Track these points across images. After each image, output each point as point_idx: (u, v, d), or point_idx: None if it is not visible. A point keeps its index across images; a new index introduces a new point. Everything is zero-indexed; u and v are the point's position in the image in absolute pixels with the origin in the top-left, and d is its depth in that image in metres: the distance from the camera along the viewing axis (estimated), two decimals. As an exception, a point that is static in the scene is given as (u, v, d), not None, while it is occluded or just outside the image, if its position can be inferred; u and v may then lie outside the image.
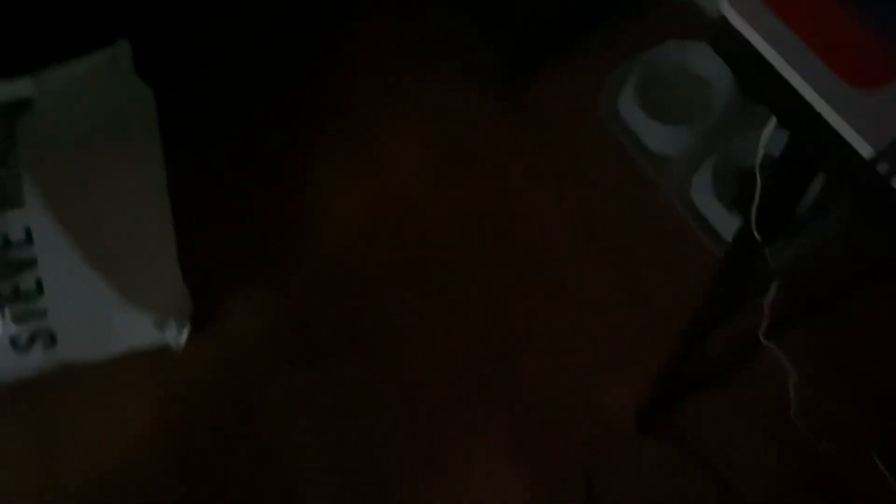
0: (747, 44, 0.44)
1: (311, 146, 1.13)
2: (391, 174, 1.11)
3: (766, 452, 0.92)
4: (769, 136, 0.49)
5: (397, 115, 1.14)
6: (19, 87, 0.89)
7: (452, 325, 1.01)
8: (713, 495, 0.91)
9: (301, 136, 1.13)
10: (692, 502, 0.90)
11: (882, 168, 0.39)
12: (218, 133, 1.11)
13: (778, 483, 0.90)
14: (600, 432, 0.94)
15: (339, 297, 1.03)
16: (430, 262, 1.05)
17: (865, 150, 0.40)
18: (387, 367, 0.99)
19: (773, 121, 0.49)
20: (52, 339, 0.90)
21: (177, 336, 0.96)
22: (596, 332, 1.00)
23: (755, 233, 0.53)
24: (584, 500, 0.91)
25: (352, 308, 1.03)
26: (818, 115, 0.42)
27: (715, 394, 0.94)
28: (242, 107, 1.14)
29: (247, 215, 1.08)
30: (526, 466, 0.93)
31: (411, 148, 1.13)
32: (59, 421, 0.97)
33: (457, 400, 0.97)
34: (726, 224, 1.01)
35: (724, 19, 0.45)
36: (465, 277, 1.04)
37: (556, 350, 0.99)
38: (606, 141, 1.11)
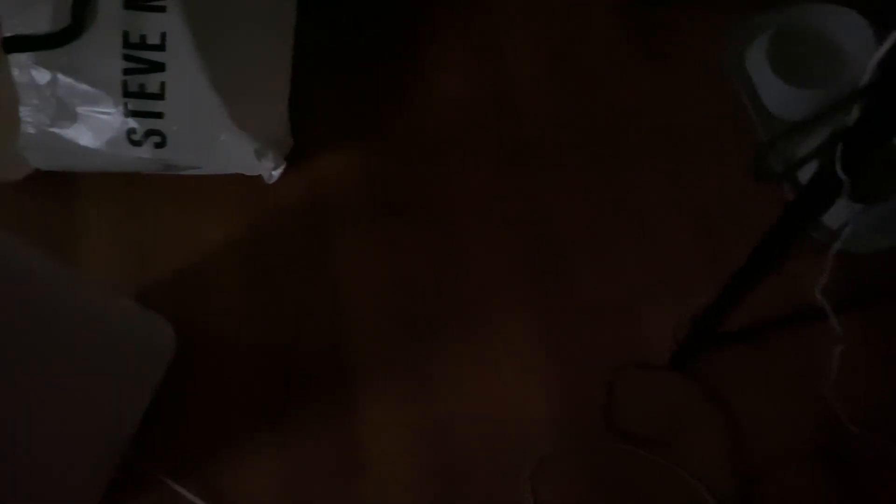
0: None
1: (432, 20, 1.16)
2: (500, 61, 1.13)
3: (789, 417, 0.93)
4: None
5: (521, 7, 1.16)
6: None
7: (521, 212, 1.05)
8: (725, 444, 0.93)
9: (427, 15, 1.16)
10: (703, 442, 0.93)
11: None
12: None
13: (791, 448, 0.92)
14: (632, 353, 0.97)
15: (422, 166, 1.08)
16: (514, 149, 1.08)
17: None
18: (449, 236, 1.04)
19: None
20: (163, 141, 0.97)
21: (271, 169, 1.03)
22: (660, 256, 1.02)
23: (839, 171, 0.52)
24: (601, 408, 0.95)
25: (430, 178, 1.07)
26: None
27: (756, 347, 0.95)
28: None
29: (358, 73, 1.13)
30: (555, 363, 0.97)
31: (527, 40, 1.14)
32: (153, 209, 1.07)
33: (506, 283, 1.02)
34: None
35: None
36: (544, 170, 1.07)
37: (614, 262, 1.02)
38: (722, 86, 1.09)
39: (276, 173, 1.04)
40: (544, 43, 1.14)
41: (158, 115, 0.96)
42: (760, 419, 0.93)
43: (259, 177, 1.05)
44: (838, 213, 0.70)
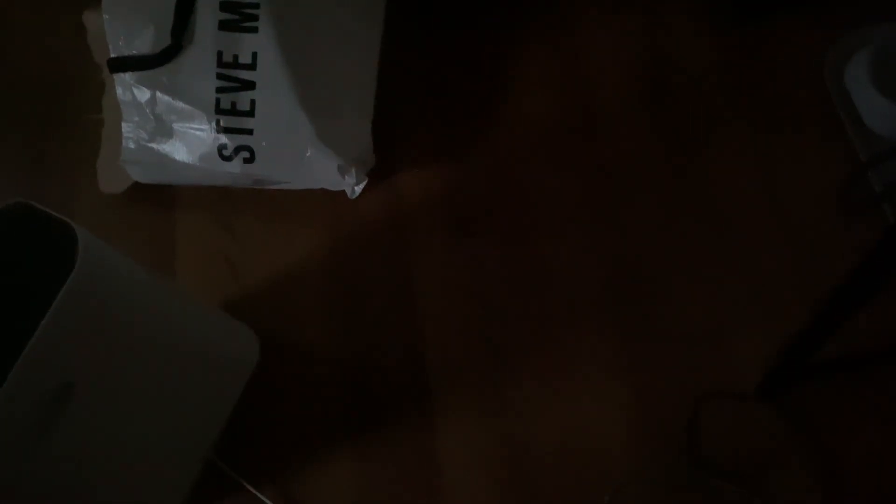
0: None
1: (519, 41, 1.15)
2: (585, 81, 1.12)
3: (889, 456, 0.87)
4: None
5: (609, 28, 1.14)
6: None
7: (604, 233, 1.03)
8: (817, 481, 0.88)
9: (513, 31, 1.16)
10: (792, 478, 0.88)
11: None
12: (436, 8, 1.17)
13: (891, 491, 0.86)
14: (719, 382, 0.93)
15: (503, 185, 1.08)
16: (597, 170, 1.07)
17: None
18: (529, 256, 1.03)
19: None
20: (251, 156, 1.01)
21: (354, 185, 1.05)
22: (750, 280, 0.98)
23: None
24: (684, 439, 0.92)
25: (511, 197, 1.07)
26: None
27: (855, 379, 0.90)
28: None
29: (441, 92, 1.14)
30: (636, 389, 0.95)
31: (614, 61, 1.12)
32: (242, 222, 1.10)
33: (587, 305, 1.00)
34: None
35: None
36: (628, 191, 1.05)
37: (701, 287, 0.99)
38: (822, 104, 1.05)
39: (359, 189, 1.06)
40: (631, 62, 1.12)
41: (248, 132, 1.00)
42: (857, 456, 0.88)
43: (343, 192, 1.07)
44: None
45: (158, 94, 1.00)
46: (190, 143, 1.01)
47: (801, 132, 1.05)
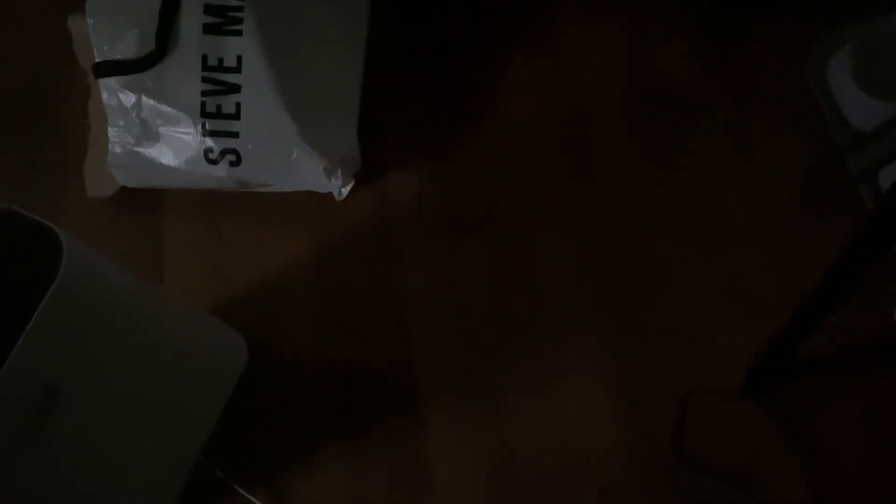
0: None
1: (504, 45, 1.16)
2: (571, 82, 1.12)
3: (877, 450, 0.88)
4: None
5: (593, 35, 1.14)
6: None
7: (591, 234, 1.04)
8: (806, 476, 0.88)
9: (498, 35, 1.16)
10: (781, 473, 0.89)
11: None
12: (424, 12, 1.17)
13: (881, 484, 0.87)
14: (706, 380, 0.94)
15: (490, 187, 1.08)
16: (584, 171, 1.07)
17: None
18: (517, 258, 1.04)
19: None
20: (238, 159, 1.01)
21: (340, 187, 1.05)
22: (735, 279, 0.98)
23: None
24: (671, 436, 0.92)
25: (499, 199, 1.07)
26: None
27: (839, 379, 0.91)
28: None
29: (428, 94, 1.14)
30: (624, 388, 0.96)
31: (598, 62, 1.12)
32: (230, 225, 1.10)
33: (575, 306, 1.00)
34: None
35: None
36: (614, 192, 1.06)
37: (687, 286, 0.99)
38: (804, 101, 1.05)
39: (345, 191, 1.06)
40: (614, 67, 1.12)
41: (234, 135, 1.00)
42: (844, 451, 0.88)
43: (331, 194, 1.08)
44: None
45: (144, 98, 1.00)
46: (176, 147, 1.01)
47: (784, 133, 1.05)
